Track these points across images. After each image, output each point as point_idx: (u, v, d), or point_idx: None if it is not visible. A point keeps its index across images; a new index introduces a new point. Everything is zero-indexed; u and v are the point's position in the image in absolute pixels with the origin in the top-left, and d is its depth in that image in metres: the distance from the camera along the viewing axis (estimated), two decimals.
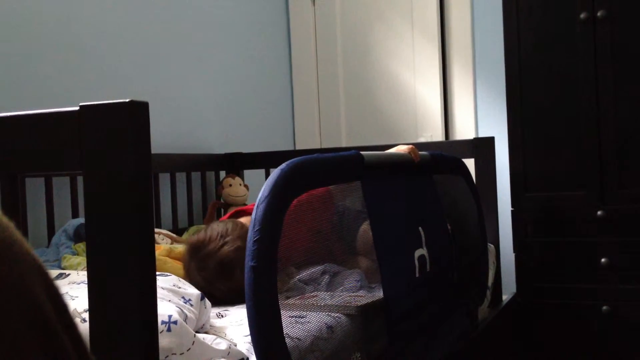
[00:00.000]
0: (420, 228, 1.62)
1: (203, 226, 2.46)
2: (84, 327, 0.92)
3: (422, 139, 3.30)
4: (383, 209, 1.48)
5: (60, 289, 0.43)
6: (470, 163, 2.42)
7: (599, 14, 2.56)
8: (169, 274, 1.43)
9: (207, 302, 1.35)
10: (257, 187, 3.06)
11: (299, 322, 1.27)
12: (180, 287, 1.33)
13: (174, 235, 2.28)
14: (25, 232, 2.01)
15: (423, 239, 1.62)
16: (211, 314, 1.40)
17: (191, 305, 1.28)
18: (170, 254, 1.85)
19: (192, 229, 2.47)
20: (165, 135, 2.75)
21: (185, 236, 2.39)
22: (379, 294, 1.49)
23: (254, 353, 1.25)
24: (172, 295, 1.28)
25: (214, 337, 1.23)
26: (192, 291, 1.33)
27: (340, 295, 1.47)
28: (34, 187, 2.14)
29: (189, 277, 1.65)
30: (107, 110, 0.80)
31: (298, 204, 1.19)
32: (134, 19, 2.62)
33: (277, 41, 3.60)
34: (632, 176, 2.55)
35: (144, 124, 0.81)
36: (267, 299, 1.07)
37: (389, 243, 1.47)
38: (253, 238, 1.07)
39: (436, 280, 1.68)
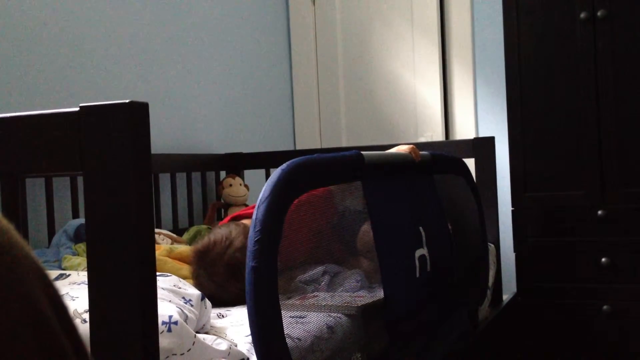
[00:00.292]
0: (420, 228, 1.62)
1: (203, 226, 2.47)
2: (84, 328, 0.93)
3: (422, 139, 3.30)
4: (384, 208, 1.48)
5: (60, 292, 0.43)
6: (470, 163, 2.42)
7: (599, 13, 2.56)
8: (169, 274, 1.43)
9: (208, 303, 1.35)
10: (258, 187, 3.07)
11: (299, 323, 1.27)
12: (180, 288, 1.33)
13: (174, 235, 2.28)
14: (25, 233, 2.01)
15: (424, 238, 1.62)
16: (212, 315, 1.40)
17: (192, 305, 1.28)
18: (170, 254, 1.85)
19: (193, 229, 2.47)
20: (166, 136, 2.75)
21: (185, 236, 2.39)
22: (379, 294, 1.49)
23: (254, 353, 1.25)
24: (173, 295, 1.28)
25: (215, 337, 1.23)
26: (193, 291, 1.33)
27: (341, 296, 1.47)
28: (34, 187, 2.15)
29: (200, 285, 1.64)
30: (107, 111, 0.80)
31: (299, 204, 1.19)
32: (134, 20, 2.62)
33: (277, 41, 3.60)
34: (632, 176, 2.55)
35: (144, 125, 0.81)
36: (268, 299, 1.07)
37: (389, 243, 1.47)
38: (254, 238, 1.07)
39: (436, 280, 1.68)
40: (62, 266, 1.83)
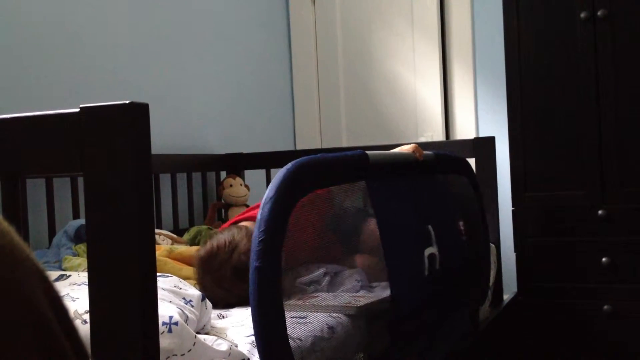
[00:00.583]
0: (429, 227, 1.61)
1: (204, 227, 2.46)
2: (85, 329, 0.92)
3: (422, 139, 3.30)
4: (389, 208, 1.48)
5: (61, 294, 0.43)
6: (470, 163, 2.42)
7: (599, 13, 2.56)
8: (169, 275, 1.43)
9: (208, 303, 1.35)
10: (258, 188, 3.08)
11: (300, 323, 1.27)
12: (181, 288, 1.33)
13: (175, 235, 2.28)
14: (26, 234, 2.01)
15: (433, 237, 1.61)
16: (212, 315, 1.40)
17: (192, 306, 1.28)
18: (170, 254, 1.85)
19: (193, 229, 2.47)
20: (166, 136, 2.75)
21: (186, 237, 2.39)
22: (380, 293, 1.48)
23: (255, 354, 1.25)
24: (173, 296, 1.28)
25: (215, 338, 1.23)
26: (193, 292, 1.33)
27: (341, 296, 1.47)
28: (35, 188, 2.15)
29: (207, 292, 1.64)
30: (108, 112, 0.80)
31: (301, 204, 1.19)
32: (135, 20, 2.62)
33: (277, 41, 3.60)
34: (633, 175, 2.55)
35: (144, 126, 0.81)
36: (271, 299, 1.07)
37: (396, 242, 1.46)
38: (258, 238, 1.07)
39: (442, 280, 1.68)
40: (63, 267, 1.83)
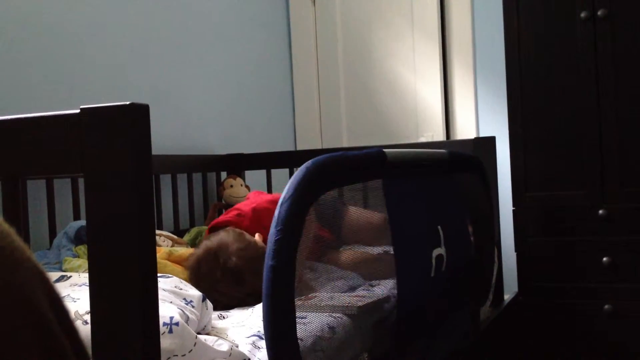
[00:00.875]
0: (439, 227, 1.61)
1: (204, 227, 2.46)
2: (85, 329, 0.93)
3: (423, 139, 3.30)
4: (403, 207, 1.47)
5: (61, 295, 0.43)
6: None
7: (599, 12, 2.56)
8: (170, 275, 1.43)
9: (209, 304, 1.35)
10: (258, 188, 3.07)
11: (300, 323, 1.27)
12: (181, 289, 1.34)
13: (175, 237, 2.28)
14: (26, 235, 2.01)
15: (442, 238, 1.61)
16: (213, 316, 1.40)
17: (193, 306, 1.28)
18: (170, 257, 1.85)
19: (194, 230, 2.47)
20: (166, 136, 2.76)
21: (186, 237, 2.39)
22: (381, 292, 1.48)
23: (255, 354, 1.25)
24: (174, 296, 1.28)
25: (216, 338, 1.24)
26: (194, 292, 1.33)
27: (341, 296, 1.47)
28: (35, 189, 2.15)
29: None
30: (108, 113, 0.80)
31: (317, 203, 1.18)
32: (135, 20, 2.62)
33: (277, 41, 3.60)
34: (633, 175, 2.55)
35: (145, 126, 0.81)
36: (284, 299, 1.07)
37: (407, 242, 1.46)
38: (275, 237, 1.06)
39: (449, 280, 1.68)
40: (63, 268, 1.83)
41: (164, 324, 1.12)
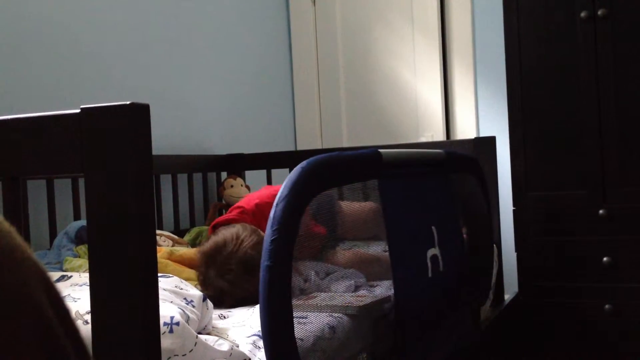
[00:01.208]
0: (433, 227, 1.61)
1: (205, 227, 2.47)
2: (86, 329, 0.93)
3: (423, 139, 3.30)
4: (398, 207, 1.47)
5: (62, 294, 0.43)
6: None
7: (599, 12, 2.56)
8: (170, 275, 1.43)
9: (209, 304, 1.35)
10: (258, 188, 3.07)
11: (301, 323, 1.27)
12: (182, 289, 1.34)
13: (176, 236, 2.28)
14: (26, 235, 2.01)
15: (435, 238, 1.61)
16: (213, 315, 1.40)
17: (193, 306, 1.28)
18: (171, 256, 1.85)
19: (194, 230, 2.47)
20: (167, 137, 2.76)
21: (187, 237, 2.39)
22: (381, 293, 1.48)
23: (256, 354, 1.25)
24: (174, 296, 1.28)
25: (216, 338, 1.24)
26: (194, 292, 1.33)
27: (342, 296, 1.47)
28: (36, 189, 2.15)
29: (210, 286, 1.64)
30: (108, 113, 0.80)
31: (312, 204, 1.18)
32: (135, 21, 2.62)
33: (277, 41, 3.60)
34: (634, 175, 2.55)
35: (145, 126, 0.81)
36: (281, 299, 1.07)
37: (402, 242, 1.46)
38: (270, 237, 1.06)
39: (448, 280, 1.68)
40: (64, 268, 1.83)
41: (165, 323, 1.12)
